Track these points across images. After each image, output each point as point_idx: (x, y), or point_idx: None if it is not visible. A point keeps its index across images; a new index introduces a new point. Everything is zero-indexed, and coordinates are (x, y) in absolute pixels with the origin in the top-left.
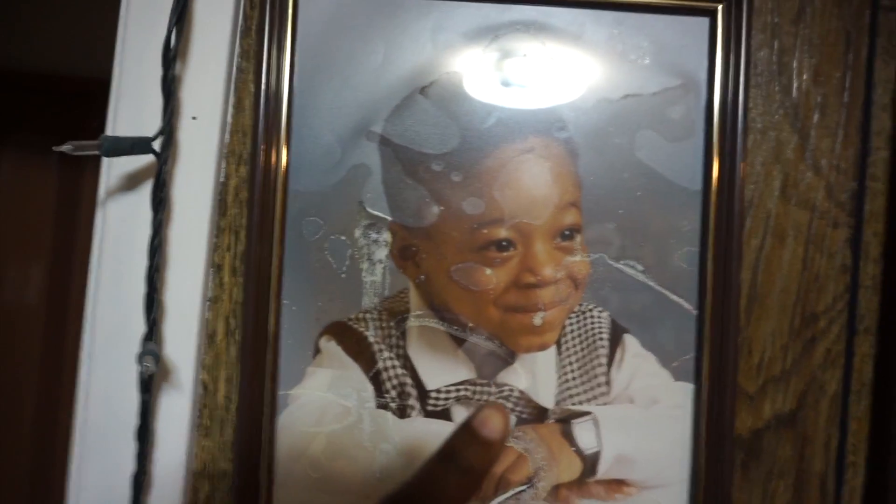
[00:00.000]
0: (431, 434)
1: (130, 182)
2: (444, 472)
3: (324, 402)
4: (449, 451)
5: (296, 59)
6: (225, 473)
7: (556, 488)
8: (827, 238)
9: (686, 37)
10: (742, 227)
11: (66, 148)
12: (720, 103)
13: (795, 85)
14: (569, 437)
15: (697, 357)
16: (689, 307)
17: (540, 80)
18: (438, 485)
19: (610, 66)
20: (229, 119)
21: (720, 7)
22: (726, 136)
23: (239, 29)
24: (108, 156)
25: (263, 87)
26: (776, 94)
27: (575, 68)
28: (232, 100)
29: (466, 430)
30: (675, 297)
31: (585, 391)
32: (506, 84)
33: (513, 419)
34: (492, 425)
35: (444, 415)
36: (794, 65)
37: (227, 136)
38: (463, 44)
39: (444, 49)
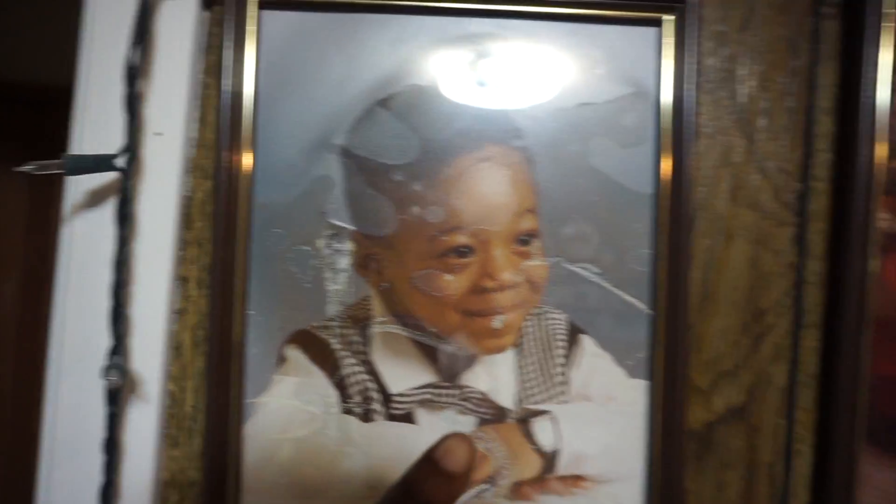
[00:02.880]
0: (395, 437)
1: (95, 198)
2: None
3: (290, 410)
4: (409, 484)
5: (259, 73)
6: (193, 482)
7: (517, 485)
8: (774, 237)
9: (637, 46)
10: (691, 229)
11: (28, 168)
12: (669, 110)
13: (742, 91)
14: (529, 435)
15: (651, 355)
16: (643, 307)
17: (498, 91)
18: None
19: (565, 75)
20: (194, 134)
21: (668, 17)
22: (676, 142)
23: (201, 45)
24: (71, 174)
25: (227, 101)
26: (724, 99)
27: (531, 79)
28: (196, 115)
29: (428, 462)
30: (629, 298)
31: (544, 391)
32: (465, 95)
33: (475, 420)
34: (455, 456)
35: (408, 418)
36: (741, 71)
37: (191, 150)
38: (422, 57)
39: (404, 62)
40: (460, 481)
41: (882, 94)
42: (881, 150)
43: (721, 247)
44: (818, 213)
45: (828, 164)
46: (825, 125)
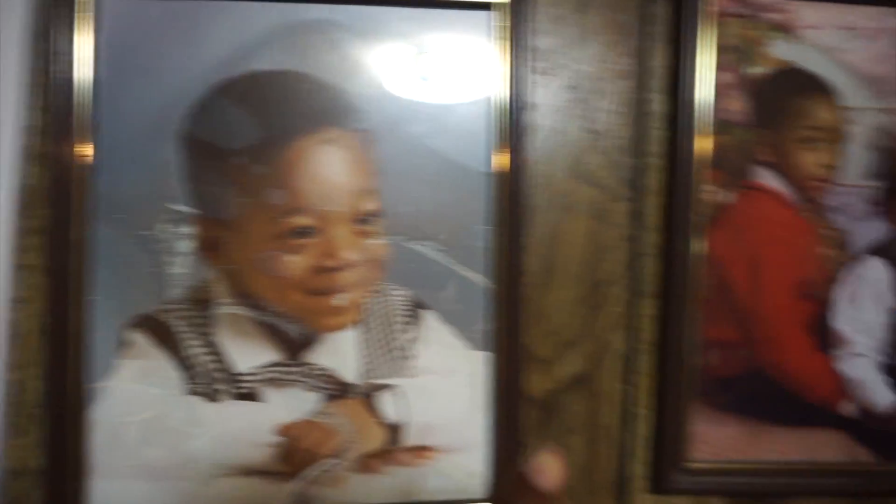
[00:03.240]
0: (242, 415)
1: None
2: None
3: (135, 393)
4: None
5: (99, 59)
6: (38, 470)
7: (364, 458)
8: (611, 212)
9: (472, 29)
10: (527, 205)
11: None
12: (505, 91)
13: (579, 71)
14: (374, 409)
15: (491, 327)
16: (483, 281)
17: (337, 74)
18: None
19: (401, 59)
20: (34, 122)
21: (501, 0)
22: (513, 122)
23: (36, 31)
24: None
25: (65, 88)
26: (560, 79)
27: (369, 63)
28: (35, 102)
29: (521, 480)
30: (469, 273)
31: (388, 365)
32: (304, 79)
33: (321, 396)
34: (548, 474)
35: (254, 396)
36: (578, 52)
37: (32, 138)
38: (261, 42)
39: (244, 47)
40: (552, 500)
41: (705, 74)
42: (705, 127)
43: (560, 222)
44: (653, 188)
45: (662, 141)
46: (659, 104)
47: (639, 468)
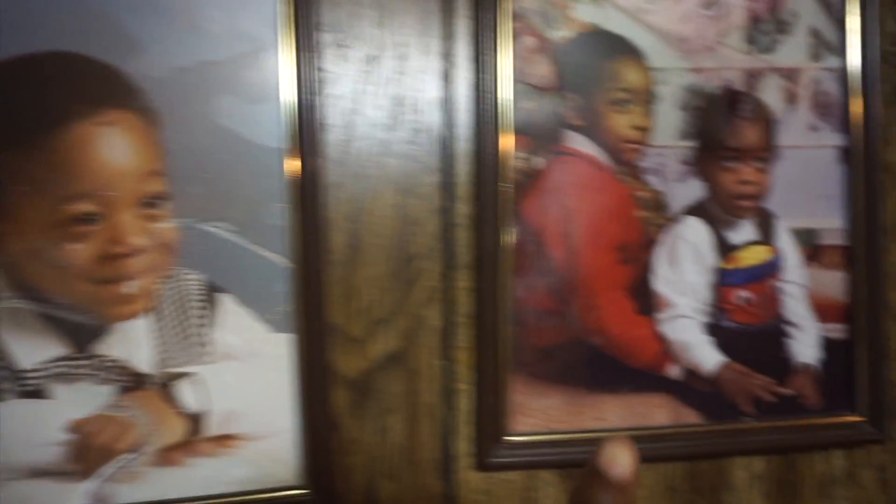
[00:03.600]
0: (29, 414)
1: None
2: None
3: None
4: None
5: None
6: None
7: (165, 451)
8: (420, 184)
9: (256, 3)
10: (325, 182)
11: None
12: (293, 63)
13: (382, 43)
14: (172, 399)
15: (294, 308)
16: (282, 261)
17: (115, 53)
18: None
19: (183, 34)
20: None
21: None
22: (302, 93)
23: None
24: None
25: None
26: (363, 52)
27: (149, 39)
28: None
29: (593, 474)
30: (267, 253)
31: (185, 353)
32: (78, 60)
33: (114, 389)
34: (620, 464)
35: (40, 394)
36: (378, 25)
37: None
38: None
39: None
40: (630, 491)
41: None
42: (506, 93)
43: (366, 197)
44: (461, 157)
45: (469, 110)
46: (465, 72)
47: (463, 445)
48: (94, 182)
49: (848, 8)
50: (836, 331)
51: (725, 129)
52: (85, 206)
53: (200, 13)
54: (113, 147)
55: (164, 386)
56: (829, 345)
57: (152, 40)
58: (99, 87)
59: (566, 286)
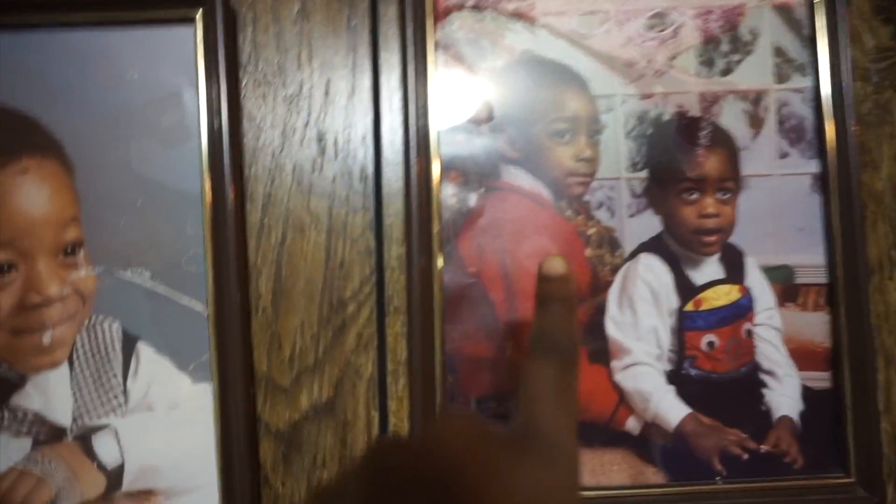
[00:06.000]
0: None
1: None
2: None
3: None
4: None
5: None
6: None
7: None
8: (349, 224)
9: (174, 46)
10: (245, 227)
11: None
12: (212, 106)
13: (301, 76)
14: (90, 452)
15: (217, 357)
16: (201, 308)
17: (32, 101)
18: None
19: (102, 82)
20: None
21: (199, 14)
22: (217, 138)
23: None
24: None
25: None
26: (280, 88)
27: (64, 88)
28: None
29: (539, 277)
30: (187, 300)
31: (103, 404)
32: None
33: (30, 442)
34: (552, 265)
35: None
36: (299, 58)
37: None
38: None
39: None
40: (569, 280)
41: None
42: (437, 127)
43: (292, 240)
44: (392, 196)
45: (398, 147)
46: (394, 104)
47: None
48: (12, 231)
49: (817, 22)
50: (819, 379)
51: (682, 158)
52: (2, 255)
53: (119, 60)
54: (30, 195)
55: (81, 439)
56: (811, 395)
57: (69, 89)
58: (17, 134)
59: (506, 331)
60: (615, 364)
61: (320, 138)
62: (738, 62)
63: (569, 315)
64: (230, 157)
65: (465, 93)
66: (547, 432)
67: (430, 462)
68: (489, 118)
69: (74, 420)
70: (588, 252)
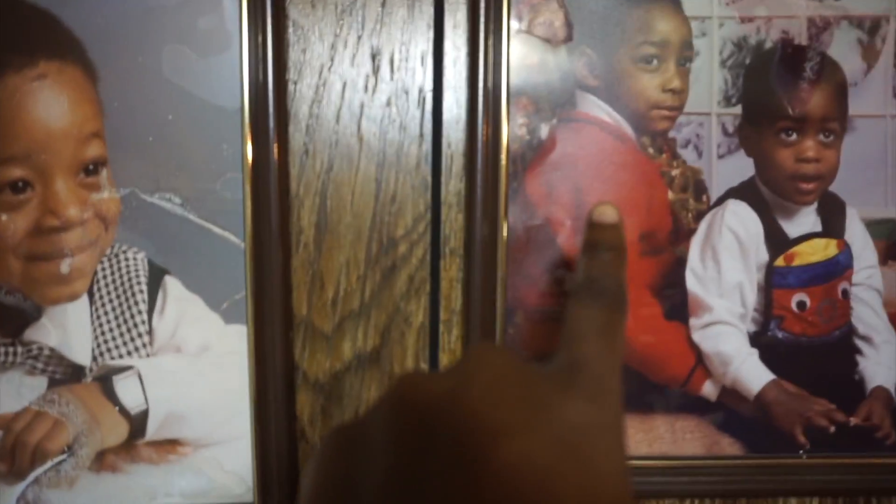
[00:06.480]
0: None
1: None
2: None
3: None
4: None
5: None
6: None
7: (102, 454)
8: (402, 154)
9: None
10: (290, 150)
11: None
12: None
13: None
14: (111, 395)
15: (252, 296)
16: (237, 240)
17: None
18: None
19: None
20: None
21: None
22: (262, 45)
23: None
24: None
25: None
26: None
27: None
28: None
29: (589, 223)
30: (219, 231)
31: (125, 343)
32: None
33: (46, 380)
34: (604, 212)
35: None
36: None
37: None
38: None
39: None
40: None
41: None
42: (507, 47)
43: (339, 168)
44: (454, 124)
45: (460, 71)
46: (458, 19)
47: None
48: (27, 144)
49: None
50: None
51: (782, 93)
52: (16, 172)
53: None
54: (47, 104)
55: (102, 380)
56: None
57: None
58: (34, 35)
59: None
60: (694, 322)
61: (374, 55)
62: None
63: (619, 264)
64: (274, 71)
65: (542, 8)
66: (591, 371)
67: (459, 396)
68: (567, 38)
69: (94, 359)
70: (670, 195)
